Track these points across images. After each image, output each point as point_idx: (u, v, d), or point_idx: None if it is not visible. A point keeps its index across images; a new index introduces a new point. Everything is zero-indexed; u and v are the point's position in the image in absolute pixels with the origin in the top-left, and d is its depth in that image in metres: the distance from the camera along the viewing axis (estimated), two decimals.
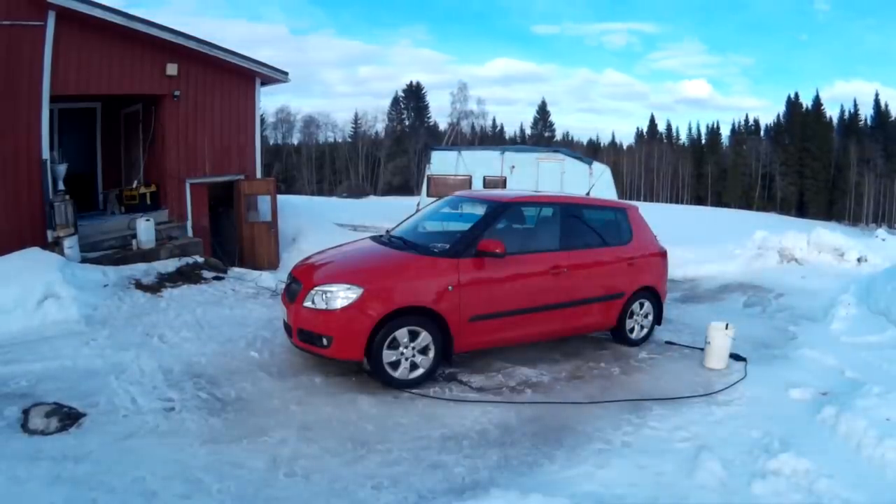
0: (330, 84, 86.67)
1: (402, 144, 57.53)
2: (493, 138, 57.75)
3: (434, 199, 7.55)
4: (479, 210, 5.22)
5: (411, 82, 63.04)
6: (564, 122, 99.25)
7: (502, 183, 13.01)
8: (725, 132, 65.08)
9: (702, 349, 5.28)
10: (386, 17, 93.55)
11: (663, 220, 11.67)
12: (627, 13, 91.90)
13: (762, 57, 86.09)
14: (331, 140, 60.70)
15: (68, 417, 3.56)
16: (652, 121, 69.77)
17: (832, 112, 59.07)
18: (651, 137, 66.80)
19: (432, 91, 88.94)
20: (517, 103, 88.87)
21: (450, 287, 4.44)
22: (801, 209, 54.03)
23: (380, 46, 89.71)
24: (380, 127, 61.62)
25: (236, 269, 7.92)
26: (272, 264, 10.18)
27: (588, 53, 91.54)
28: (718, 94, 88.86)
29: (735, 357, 5.18)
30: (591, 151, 60.01)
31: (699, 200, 57.65)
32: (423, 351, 4.40)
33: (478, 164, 13.46)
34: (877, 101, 56.82)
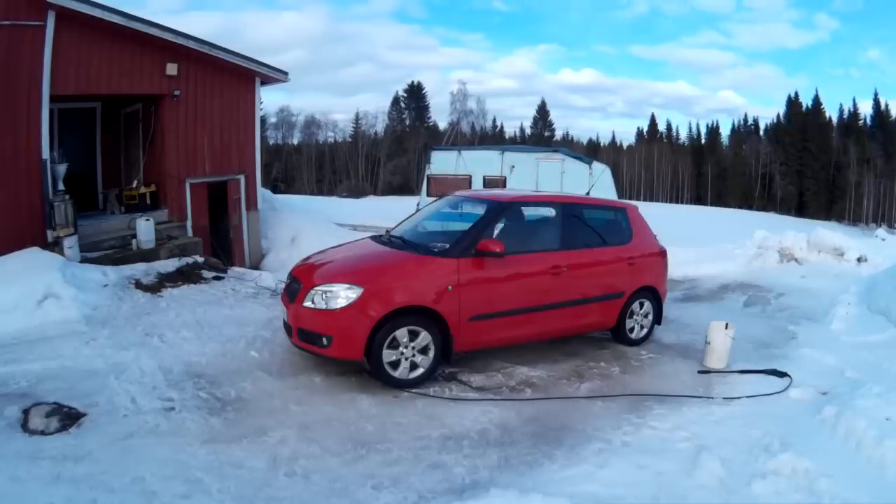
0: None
1: (402, 144, 57.50)
2: (493, 138, 57.73)
3: (434, 198, 7.55)
4: (479, 210, 5.21)
5: (412, 82, 63.15)
6: (598, 126, 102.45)
7: (502, 183, 13.03)
8: (725, 132, 65.24)
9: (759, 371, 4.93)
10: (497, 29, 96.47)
11: (663, 219, 11.68)
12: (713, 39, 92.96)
13: (813, 74, 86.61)
14: (331, 140, 60.77)
15: (68, 417, 3.56)
16: (652, 120, 69.88)
17: (832, 112, 59.18)
18: (651, 137, 66.81)
19: (438, 91, 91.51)
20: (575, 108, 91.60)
21: (449, 287, 4.44)
22: (801, 209, 53.99)
23: (474, 52, 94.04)
24: (380, 127, 61.70)
25: (236, 269, 7.92)
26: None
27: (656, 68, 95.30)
28: (749, 104, 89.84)
29: (776, 373, 4.80)
30: (591, 151, 59.98)
31: (699, 200, 57.59)
32: (423, 351, 4.40)
33: (478, 164, 13.49)
34: (876, 101, 56.84)
